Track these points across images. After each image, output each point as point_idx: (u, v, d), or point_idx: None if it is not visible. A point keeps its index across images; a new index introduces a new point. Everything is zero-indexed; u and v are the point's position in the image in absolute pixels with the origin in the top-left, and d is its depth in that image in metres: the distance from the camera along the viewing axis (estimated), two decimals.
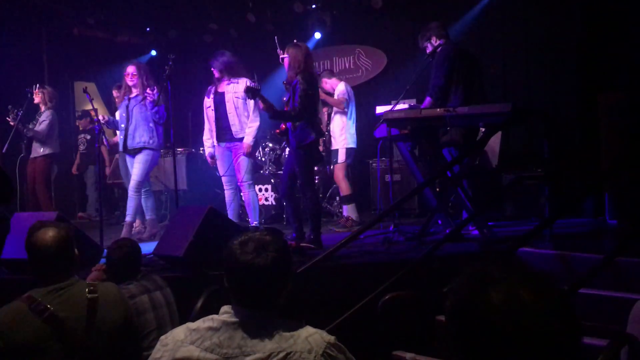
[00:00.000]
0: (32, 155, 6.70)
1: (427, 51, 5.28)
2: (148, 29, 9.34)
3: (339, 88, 6.55)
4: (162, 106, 5.73)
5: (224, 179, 5.72)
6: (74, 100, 9.31)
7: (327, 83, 6.64)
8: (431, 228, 5.10)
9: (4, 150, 6.68)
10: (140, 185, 5.80)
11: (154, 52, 9.58)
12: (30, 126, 6.65)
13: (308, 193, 4.80)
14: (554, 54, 6.91)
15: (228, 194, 5.71)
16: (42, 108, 6.78)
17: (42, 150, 6.75)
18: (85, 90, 5.58)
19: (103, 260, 3.55)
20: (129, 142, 5.82)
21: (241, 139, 5.50)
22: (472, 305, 1.02)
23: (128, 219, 5.87)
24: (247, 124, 5.51)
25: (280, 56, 4.95)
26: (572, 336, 1.00)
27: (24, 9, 7.89)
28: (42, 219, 4.33)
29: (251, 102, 5.46)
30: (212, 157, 5.72)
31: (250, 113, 5.51)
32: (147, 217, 6.05)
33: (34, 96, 6.74)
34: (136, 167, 5.79)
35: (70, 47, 8.78)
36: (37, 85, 6.78)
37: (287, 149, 5.17)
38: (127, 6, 8.41)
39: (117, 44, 9.32)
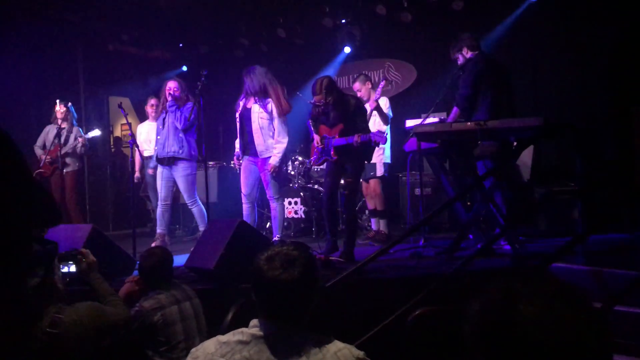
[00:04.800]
0: (65, 170, 6.87)
1: (459, 62, 5.26)
2: (181, 44, 9.52)
3: (386, 103, 6.39)
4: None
5: (243, 192, 5.82)
6: (109, 115, 9.51)
7: (361, 91, 6.38)
8: (462, 243, 5.05)
9: (42, 164, 6.85)
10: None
11: (185, 68, 9.75)
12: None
13: (353, 206, 4.89)
14: (586, 65, 6.82)
15: (245, 207, 5.80)
16: (64, 124, 6.85)
17: (76, 165, 6.95)
18: (120, 106, 5.72)
19: (136, 272, 3.61)
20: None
21: (266, 158, 5.61)
22: (503, 320, 1.01)
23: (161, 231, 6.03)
24: (272, 144, 5.60)
25: (317, 103, 4.96)
26: (604, 351, 0.99)
27: (62, 27, 8.11)
28: (78, 231, 4.43)
29: (277, 123, 5.54)
30: (238, 158, 5.84)
31: (276, 134, 5.60)
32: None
33: (57, 112, 6.89)
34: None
35: (105, 63, 8.99)
36: (58, 100, 6.94)
37: (318, 163, 5.23)
38: (160, 23, 8.59)
39: (150, 60, 9.52)
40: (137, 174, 7.37)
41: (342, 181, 5.07)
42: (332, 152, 4.89)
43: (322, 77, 4.98)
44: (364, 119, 4.93)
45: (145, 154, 7.31)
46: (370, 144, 4.75)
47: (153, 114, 7.17)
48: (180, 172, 5.99)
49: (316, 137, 5.07)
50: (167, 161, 5.97)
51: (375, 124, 6.42)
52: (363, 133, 4.71)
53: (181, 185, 6.02)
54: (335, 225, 5.02)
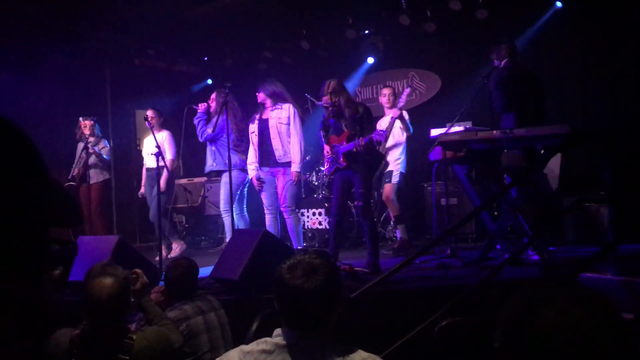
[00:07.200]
0: (92, 181, 6.98)
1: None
2: (205, 58, 9.63)
3: (405, 116, 6.45)
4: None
5: (265, 204, 5.87)
6: (136, 127, 9.64)
7: (385, 96, 6.47)
8: (489, 253, 4.98)
9: (70, 177, 6.96)
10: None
11: (209, 81, 9.86)
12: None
13: (371, 215, 4.84)
14: (614, 71, 6.71)
15: (268, 218, 5.84)
16: (91, 138, 7.00)
17: (102, 176, 7.05)
18: (146, 119, 5.80)
19: (162, 283, 3.63)
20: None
21: (284, 164, 5.65)
22: (524, 325, 1.01)
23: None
24: (289, 149, 5.64)
25: (324, 104, 4.97)
26: (625, 356, 0.97)
27: (90, 42, 8.26)
28: (105, 242, 4.49)
29: (294, 128, 5.58)
30: (259, 179, 5.84)
31: (293, 139, 5.64)
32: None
33: (83, 127, 7.02)
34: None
35: (132, 77, 9.13)
36: (81, 118, 7.06)
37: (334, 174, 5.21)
38: (185, 37, 8.71)
39: (175, 73, 9.65)
40: (142, 190, 7.25)
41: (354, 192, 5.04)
42: (341, 159, 4.90)
43: (330, 80, 4.99)
44: (371, 127, 4.88)
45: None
46: (372, 144, 4.74)
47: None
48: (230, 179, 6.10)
49: (326, 147, 5.10)
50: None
51: (394, 135, 6.44)
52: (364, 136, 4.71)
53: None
54: (338, 247, 4.91)
